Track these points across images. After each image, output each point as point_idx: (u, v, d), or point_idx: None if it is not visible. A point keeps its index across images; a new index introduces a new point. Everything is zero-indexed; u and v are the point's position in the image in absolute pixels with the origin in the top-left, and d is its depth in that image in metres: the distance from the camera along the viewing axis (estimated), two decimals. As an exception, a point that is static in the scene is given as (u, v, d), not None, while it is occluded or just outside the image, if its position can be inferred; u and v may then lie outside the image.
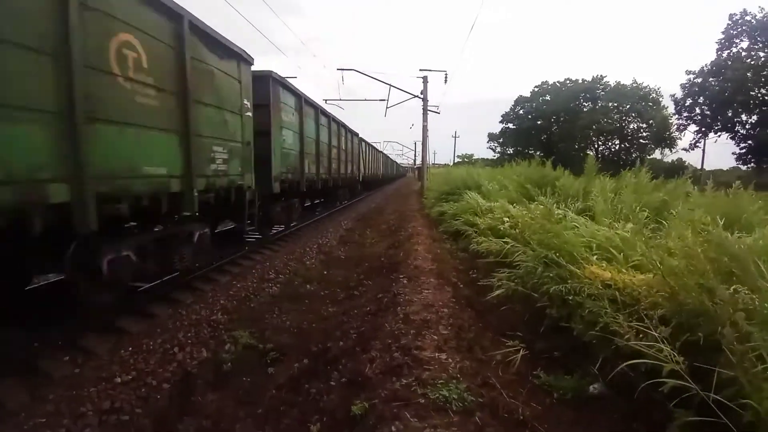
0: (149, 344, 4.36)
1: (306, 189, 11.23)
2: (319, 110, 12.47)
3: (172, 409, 3.49)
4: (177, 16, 4.90)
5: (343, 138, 16.25)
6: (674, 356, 2.16)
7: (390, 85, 21.93)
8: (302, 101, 10.50)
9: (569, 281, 3.43)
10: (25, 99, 3.17)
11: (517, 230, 5.42)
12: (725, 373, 1.98)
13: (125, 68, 4.11)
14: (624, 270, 3.30)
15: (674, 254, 2.93)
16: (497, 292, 4.25)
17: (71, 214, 3.59)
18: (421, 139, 24.04)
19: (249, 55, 6.91)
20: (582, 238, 4.09)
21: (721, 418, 1.94)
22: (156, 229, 5.33)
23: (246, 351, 4.35)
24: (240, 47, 6.59)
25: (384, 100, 23.41)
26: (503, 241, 5.23)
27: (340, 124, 15.79)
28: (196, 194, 5.34)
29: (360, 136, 21.23)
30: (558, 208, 5.83)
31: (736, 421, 1.91)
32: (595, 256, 3.73)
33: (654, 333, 2.35)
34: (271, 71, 8.55)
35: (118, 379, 3.75)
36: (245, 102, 6.92)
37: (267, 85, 8.39)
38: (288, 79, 9.40)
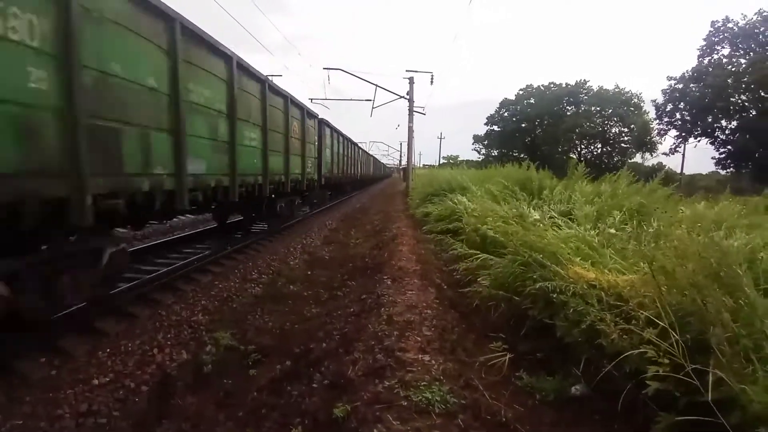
0: (128, 346, 4.28)
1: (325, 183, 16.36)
2: (339, 133, 19.06)
3: (150, 412, 3.42)
4: (309, 111, 11.69)
5: (346, 147, 21.00)
6: (661, 357, 2.18)
7: (376, 86, 21.97)
8: (333, 130, 17.66)
9: (554, 280, 3.44)
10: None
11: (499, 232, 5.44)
12: (715, 374, 2.00)
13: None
14: (607, 271, 3.34)
15: (665, 254, 2.95)
16: (482, 294, 4.26)
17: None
18: (406, 140, 24.04)
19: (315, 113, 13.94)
20: (565, 241, 4.12)
21: (708, 419, 1.96)
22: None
23: (227, 352, 4.29)
24: (314, 111, 13.63)
25: (370, 100, 23.45)
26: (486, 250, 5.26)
27: (346, 138, 20.80)
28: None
29: (353, 141, 22.71)
30: (541, 209, 5.90)
31: (722, 423, 1.93)
32: (578, 258, 3.76)
33: (641, 333, 2.37)
34: (323, 119, 15.55)
35: (96, 381, 3.68)
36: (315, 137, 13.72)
37: (322, 127, 15.16)
38: (273, 78, 9.45)
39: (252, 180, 7.92)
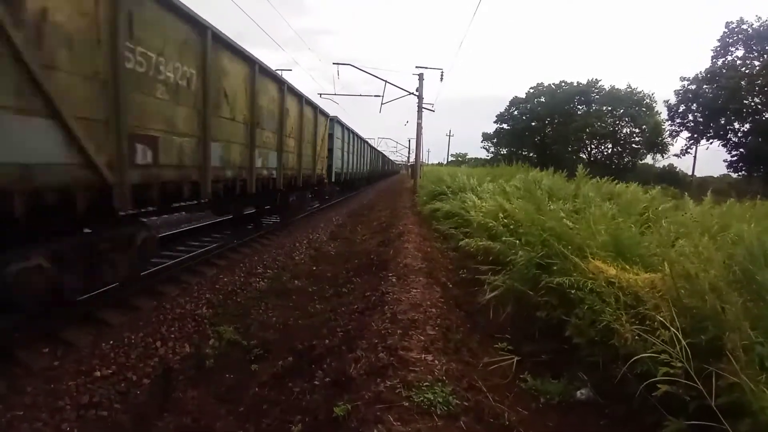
0: (131, 338, 4.27)
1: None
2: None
3: (151, 406, 3.41)
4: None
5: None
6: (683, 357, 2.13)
7: (385, 81, 21.90)
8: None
9: (573, 274, 3.35)
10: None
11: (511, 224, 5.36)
12: (727, 379, 1.95)
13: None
14: (627, 267, 3.24)
15: (686, 257, 2.88)
16: (490, 294, 4.18)
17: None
18: (415, 137, 23.95)
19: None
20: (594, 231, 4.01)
21: (716, 425, 1.91)
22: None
23: (230, 347, 4.28)
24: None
25: (379, 96, 23.35)
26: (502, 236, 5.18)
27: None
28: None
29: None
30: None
31: (732, 429, 1.88)
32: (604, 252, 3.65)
33: (655, 336, 2.32)
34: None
35: (98, 373, 3.66)
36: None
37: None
38: (282, 73, 9.59)
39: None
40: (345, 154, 18.99)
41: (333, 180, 16.27)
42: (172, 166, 4.92)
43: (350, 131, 20.28)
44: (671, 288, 2.60)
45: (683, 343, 2.16)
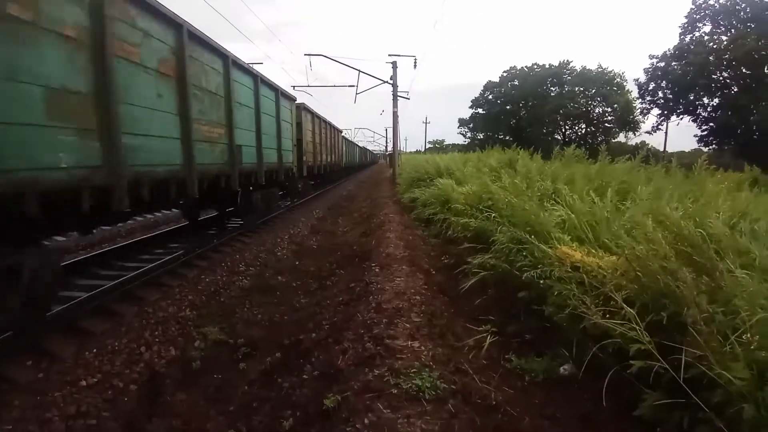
0: (114, 345, 4.21)
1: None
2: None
3: (140, 411, 3.38)
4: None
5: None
6: (643, 336, 2.20)
7: (359, 71, 21.77)
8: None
9: (540, 266, 3.46)
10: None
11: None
12: (692, 352, 2.02)
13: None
14: (593, 251, 3.35)
15: (637, 239, 2.99)
16: (472, 280, 4.25)
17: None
18: (391, 126, 23.92)
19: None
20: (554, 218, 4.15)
21: (691, 397, 1.98)
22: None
23: (216, 347, 4.26)
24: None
25: (353, 86, 23.21)
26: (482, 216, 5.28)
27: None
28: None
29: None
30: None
31: (705, 399, 1.95)
32: (567, 236, 3.78)
33: (620, 315, 2.40)
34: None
35: (84, 383, 3.61)
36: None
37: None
38: (255, 66, 9.23)
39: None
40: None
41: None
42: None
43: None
44: (629, 270, 2.70)
45: (638, 320, 2.24)
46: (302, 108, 14.77)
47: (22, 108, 3.28)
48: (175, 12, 5.29)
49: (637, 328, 2.21)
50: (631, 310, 2.31)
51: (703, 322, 2.04)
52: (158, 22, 5.16)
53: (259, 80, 8.97)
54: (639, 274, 2.61)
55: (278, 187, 11.91)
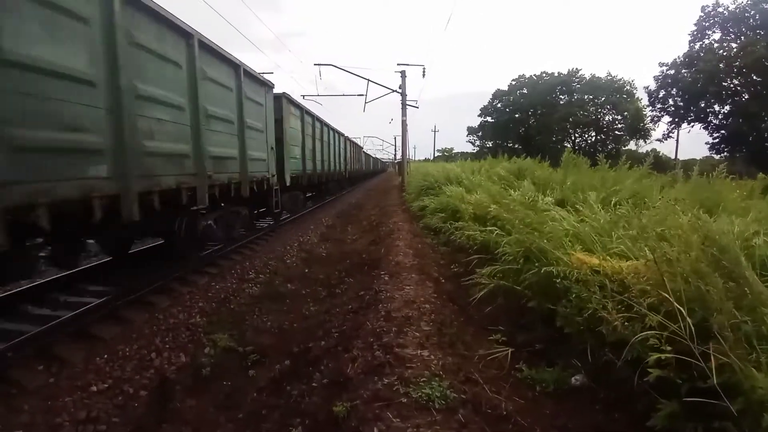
0: (125, 351, 4.24)
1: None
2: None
3: (150, 417, 3.40)
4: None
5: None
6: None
7: (368, 80, 21.85)
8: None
9: (556, 266, 3.42)
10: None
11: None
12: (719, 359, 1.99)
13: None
14: (608, 257, 3.31)
15: (667, 242, 2.93)
16: (481, 293, 4.22)
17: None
18: (400, 134, 23.97)
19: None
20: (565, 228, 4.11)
21: (712, 402, 1.94)
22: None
23: (226, 354, 4.27)
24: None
25: (362, 95, 23.31)
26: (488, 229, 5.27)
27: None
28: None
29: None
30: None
31: (724, 409, 1.92)
32: (579, 246, 3.75)
33: (644, 320, 2.36)
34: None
35: (94, 388, 3.64)
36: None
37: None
38: (265, 75, 9.29)
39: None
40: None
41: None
42: None
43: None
44: (656, 273, 2.64)
45: (665, 325, 2.20)
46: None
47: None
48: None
49: (660, 335, 2.18)
50: (657, 316, 2.28)
51: (730, 329, 2.02)
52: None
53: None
54: (666, 279, 2.56)
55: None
